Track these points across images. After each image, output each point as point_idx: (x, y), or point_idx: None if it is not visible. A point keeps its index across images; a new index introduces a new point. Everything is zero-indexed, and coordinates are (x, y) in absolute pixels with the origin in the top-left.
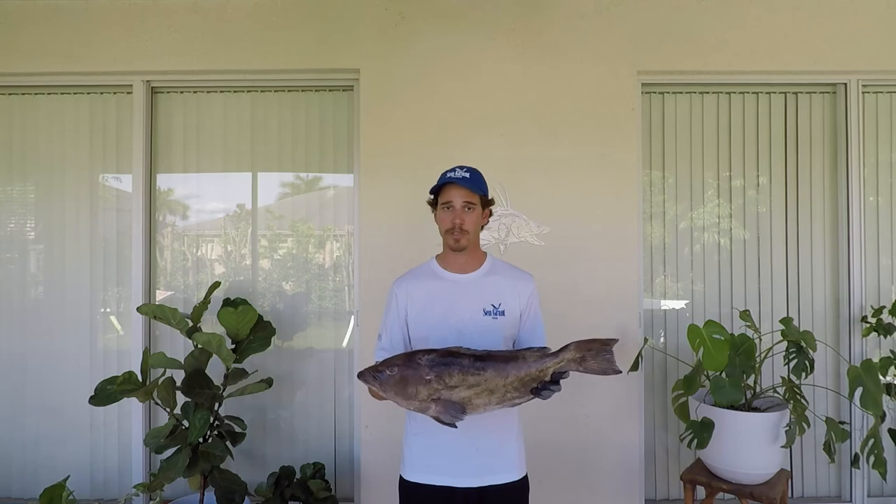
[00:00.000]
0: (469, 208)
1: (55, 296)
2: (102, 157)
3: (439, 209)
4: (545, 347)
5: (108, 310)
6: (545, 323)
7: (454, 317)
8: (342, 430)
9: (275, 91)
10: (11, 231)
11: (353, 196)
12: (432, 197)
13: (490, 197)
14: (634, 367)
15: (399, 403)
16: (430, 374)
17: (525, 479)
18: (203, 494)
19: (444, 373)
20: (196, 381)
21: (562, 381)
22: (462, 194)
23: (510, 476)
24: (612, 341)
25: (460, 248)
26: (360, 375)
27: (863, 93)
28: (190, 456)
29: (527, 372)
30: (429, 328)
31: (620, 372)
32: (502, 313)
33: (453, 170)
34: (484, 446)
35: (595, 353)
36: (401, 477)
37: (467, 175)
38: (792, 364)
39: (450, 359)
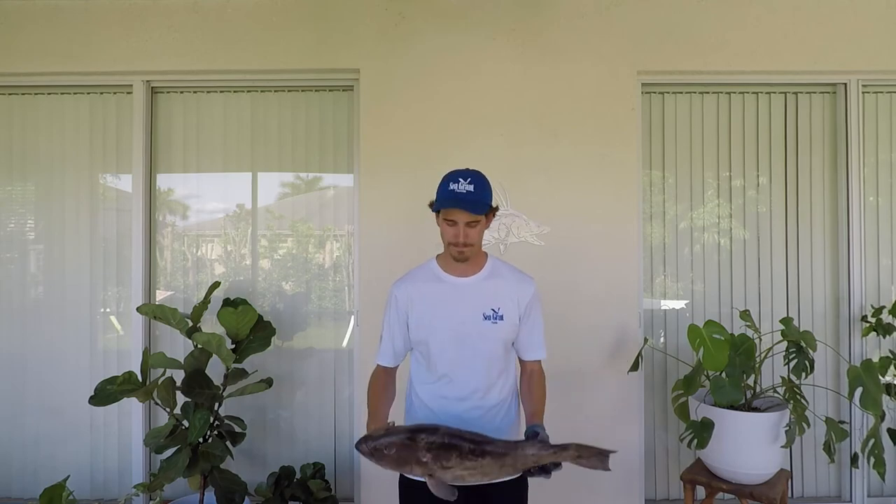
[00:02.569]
0: (473, 224)
1: (55, 296)
2: (102, 157)
3: (442, 221)
4: (545, 442)
5: (108, 310)
6: (546, 323)
7: (455, 320)
8: (342, 430)
9: (275, 91)
10: (11, 231)
11: (353, 196)
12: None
13: (495, 204)
14: (634, 367)
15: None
16: (426, 455)
17: (523, 477)
18: (203, 494)
19: (441, 456)
20: (196, 381)
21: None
22: (466, 214)
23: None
24: (611, 452)
25: (463, 260)
26: (358, 446)
27: (863, 93)
28: (190, 456)
29: (523, 463)
30: (429, 331)
31: (609, 470)
32: (501, 318)
33: (456, 180)
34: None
35: (591, 455)
36: (401, 474)
37: (471, 189)
38: (792, 364)
39: (451, 443)
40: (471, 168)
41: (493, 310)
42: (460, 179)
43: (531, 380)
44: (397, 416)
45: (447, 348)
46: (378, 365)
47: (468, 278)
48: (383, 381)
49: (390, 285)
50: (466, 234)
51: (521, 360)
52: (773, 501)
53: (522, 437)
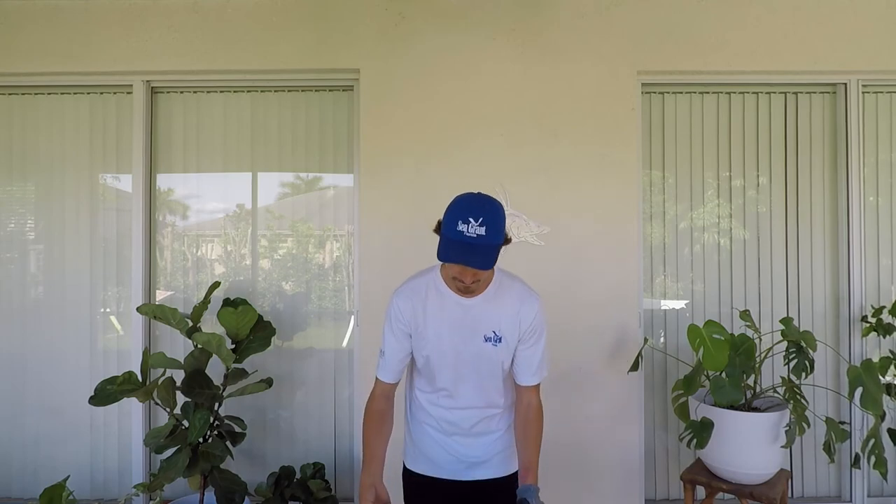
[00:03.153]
0: None
1: (55, 296)
2: (102, 157)
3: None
4: None
5: (108, 310)
6: (546, 323)
7: (456, 339)
8: (342, 430)
9: (275, 91)
10: (11, 231)
11: (353, 196)
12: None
13: (507, 233)
14: (634, 367)
15: None
16: None
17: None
18: (203, 494)
19: None
20: (196, 381)
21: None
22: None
23: (506, 470)
24: None
25: (468, 294)
26: None
27: (863, 93)
28: (190, 456)
29: None
30: (430, 347)
31: None
32: (500, 340)
33: (466, 218)
34: (480, 443)
35: None
36: (404, 465)
37: (483, 232)
38: (792, 364)
39: None
40: (483, 196)
41: (493, 332)
42: (471, 220)
43: (527, 419)
44: (398, 419)
45: (447, 365)
46: (378, 383)
47: (472, 298)
48: (381, 411)
49: (391, 289)
50: (475, 274)
51: (517, 386)
52: (773, 501)
53: (515, 440)
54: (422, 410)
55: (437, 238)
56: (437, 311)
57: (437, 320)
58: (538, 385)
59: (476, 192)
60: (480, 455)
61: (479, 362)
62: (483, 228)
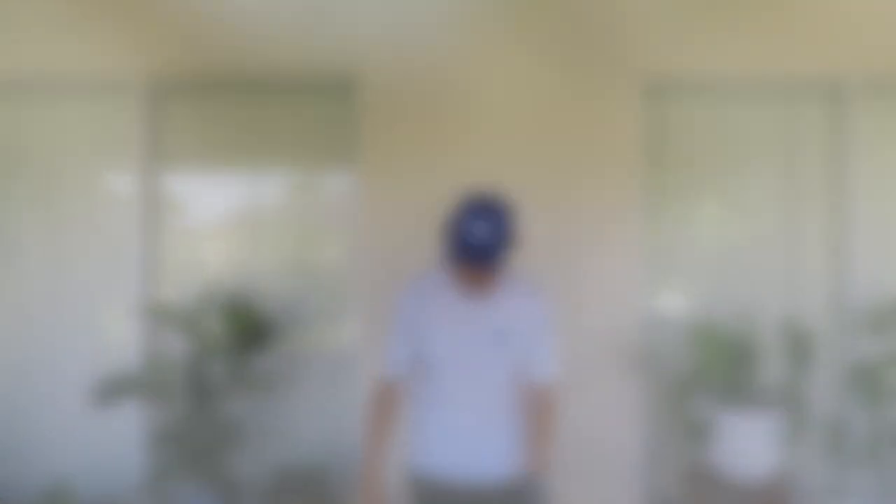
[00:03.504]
0: None
1: (55, 295)
2: (102, 157)
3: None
4: None
5: (108, 310)
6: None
7: (461, 339)
8: (342, 430)
9: (275, 91)
10: (11, 231)
11: (353, 196)
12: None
13: (516, 238)
14: (634, 367)
15: None
16: None
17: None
18: (203, 495)
19: None
20: (196, 381)
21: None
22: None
23: (512, 470)
24: None
25: (474, 293)
26: None
27: (863, 93)
28: (190, 456)
29: None
30: (434, 346)
31: None
32: (508, 339)
33: (472, 221)
34: (484, 443)
35: None
36: (407, 463)
37: (489, 238)
38: (792, 364)
39: None
40: (492, 196)
41: (501, 330)
42: (478, 220)
43: (538, 416)
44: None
45: (450, 365)
46: (383, 381)
47: (478, 297)
48: (385, 409)
49: (391, 289)
50: (481, 275)
51: (529, 383)
52: (773, 501)
53: (515, 442)
54: (425, 410)
55: (438, 238)
56: (443, 309)
57: (442, 319)
58: (551, 382)
59: (485, 191)
60: (485, 455)
61: (484, 363)
62: (490, 230)
